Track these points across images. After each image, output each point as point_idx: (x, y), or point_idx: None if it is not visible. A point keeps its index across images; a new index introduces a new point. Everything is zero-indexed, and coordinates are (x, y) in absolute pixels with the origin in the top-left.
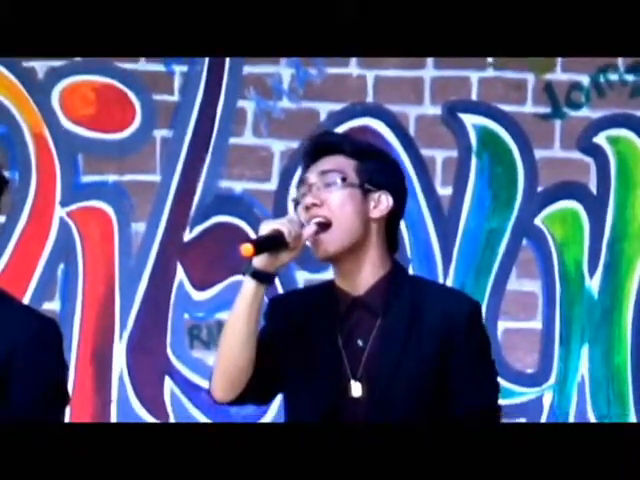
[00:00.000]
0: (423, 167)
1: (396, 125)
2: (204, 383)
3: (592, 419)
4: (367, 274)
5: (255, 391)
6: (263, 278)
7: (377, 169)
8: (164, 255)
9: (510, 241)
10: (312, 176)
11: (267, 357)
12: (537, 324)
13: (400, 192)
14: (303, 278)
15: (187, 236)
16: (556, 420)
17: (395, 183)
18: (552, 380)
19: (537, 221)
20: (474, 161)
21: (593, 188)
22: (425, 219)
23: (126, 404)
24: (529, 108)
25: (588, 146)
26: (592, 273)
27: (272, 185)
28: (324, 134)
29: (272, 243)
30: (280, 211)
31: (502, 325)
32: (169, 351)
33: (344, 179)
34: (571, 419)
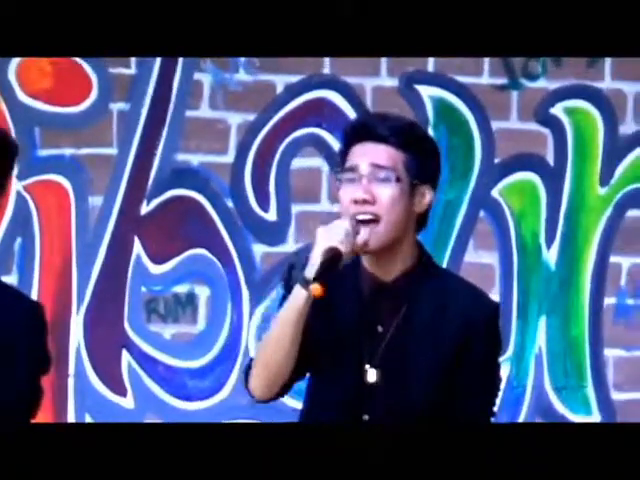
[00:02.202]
0: None
1: (353, 97)
2: (161, 356)
3: (549, 391)
4: (398, 262)
5: (292, 381)
6: None
7: (424, 164)
8: (121, 228)
9: (467, 213)
10: (364, 166)
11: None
12: (494, 296)
13: (438, 181)
14: (261, 251)
15: (144, 209)
16: (513, 391)
17: (437, 175)
18: (509, 352)
19: (494, 192)
20: (431, 133)
21: (550, 159)
22: None
23: (83, 377)
24: (486, 79)
25: (545, 117)
26: (549, 244)
27: (229, 158)
28: (378, 119)
29: (332, 265)
30: (237, 184)
31: None
32: (126, 324)
33: (398, 179)
34: (528, 391)
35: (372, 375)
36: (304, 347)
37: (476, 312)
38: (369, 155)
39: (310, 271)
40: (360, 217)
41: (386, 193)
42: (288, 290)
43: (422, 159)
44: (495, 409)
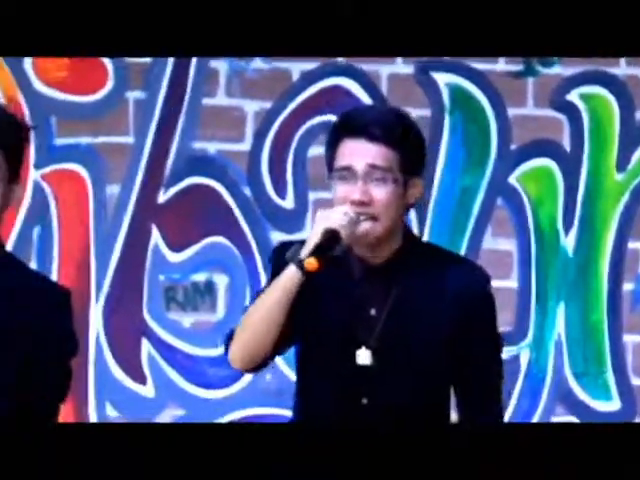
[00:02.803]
0: None
1: (368, 84)
2: (180, 344)
3: (569, 377)
4: (389, 245)
5: (274, 355)
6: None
7: (416, 159)
8: (139, 217)
9: (484, 199)
10: (360, 166)
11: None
12: (513, 283)
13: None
14: (278, 239)
15: (161, 198)
16: (533, 378)
17: (424, 164)
18: (529, 339)
19: (511, 179)
20: (447, 120)
21: (566, 145)
22: None
23: (103, 367)
24: (502, 66)
25: (561, 103)
26: (567, 230)
27: (246, 145)
28: (371, 116)
29: (329, 245)
30: (254, 172)
31: None
32: (145, 313)
33: (395, 180)
34: (548, 378)
35: (367, 358)
36: (291, 329)
37: (471, 287)
38: (364, 155)
39: (306, 252)
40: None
41: (383, 194)
42: (276, 273)
43: (414, 155)
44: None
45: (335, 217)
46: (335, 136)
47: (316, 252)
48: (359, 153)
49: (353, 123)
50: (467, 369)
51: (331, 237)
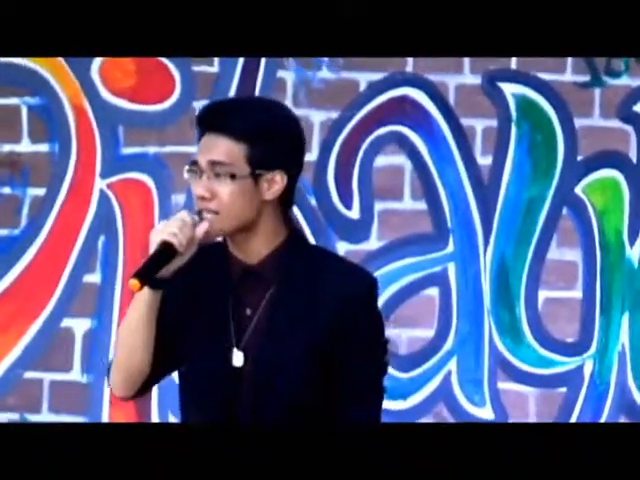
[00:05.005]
0: (463, 136)
1: (436, 94)
2: None
3: (633, 388)
4: (260, 245)
5: (157, 378)
6: (158, 285)
7: (270, 151)
8: None
9: (550, 210)
10: (203, 162)
11: (161, 328)
12: (577, 293)
13: (296, 163)
14: (344, 249)
15: None
16: (597, 388)
17: (290, 158)
18: (593, 349)
19: (577, 190)
20: (514, 130)
21: (633, 157)
22: (465, 189)
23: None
24: (568, 77)
25: (628, 114)
26: (632, 242)
27: (312, 156)
28: (220, 108)
29: (163, 259)
30: (320, 182)
31: (542, 294)
32: None
33: (233, 175)
34: (612, 388)
35: (239, 359)
36: (170, 341)
37: (351, 290)
38: (208, 150)
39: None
40: (203, 213)
41: (223, 190)
42: None
43: (268, 147)
44: (384, 391)
45: (166, 228)
46: (198, 133)
47: (143, 267)
48: (204, 149)
49: (205, 118)
50: (340, 372)
51: (164, 249)
